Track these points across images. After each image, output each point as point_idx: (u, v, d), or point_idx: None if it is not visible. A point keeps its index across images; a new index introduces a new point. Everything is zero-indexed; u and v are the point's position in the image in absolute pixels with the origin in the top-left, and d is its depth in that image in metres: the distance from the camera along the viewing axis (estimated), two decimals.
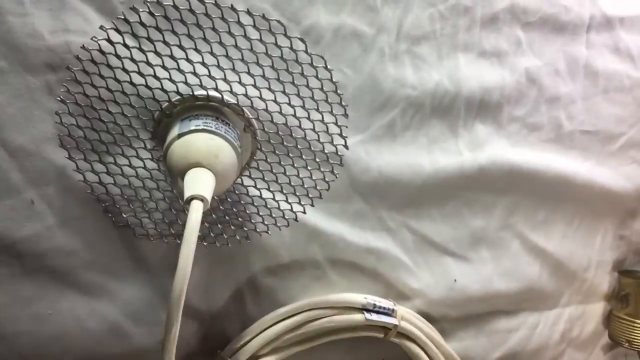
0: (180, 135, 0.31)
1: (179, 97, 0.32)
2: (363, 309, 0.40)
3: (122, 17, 0.29)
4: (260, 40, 0.31)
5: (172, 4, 0.30)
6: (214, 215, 0.36)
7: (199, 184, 0.29)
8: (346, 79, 0.39)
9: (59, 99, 0.31)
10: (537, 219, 0.47)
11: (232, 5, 0.30)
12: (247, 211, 0.37)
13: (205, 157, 0.30)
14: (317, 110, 0.34)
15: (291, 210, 0.37)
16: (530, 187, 0.46)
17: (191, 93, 0.32)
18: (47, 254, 0.34)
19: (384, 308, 0.41)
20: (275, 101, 0.33)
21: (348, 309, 0.40)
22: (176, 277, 0.27)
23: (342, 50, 0.39)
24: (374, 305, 0.41)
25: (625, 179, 0.49)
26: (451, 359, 0.44)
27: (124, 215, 0.35)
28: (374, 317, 0.40)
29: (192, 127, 0.31)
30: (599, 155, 0.48)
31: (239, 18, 0.31)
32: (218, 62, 0.32)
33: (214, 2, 0.30)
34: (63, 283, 0.35)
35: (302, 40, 0.32)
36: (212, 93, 0.32)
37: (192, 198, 0.28)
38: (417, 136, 0.42)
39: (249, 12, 0.30)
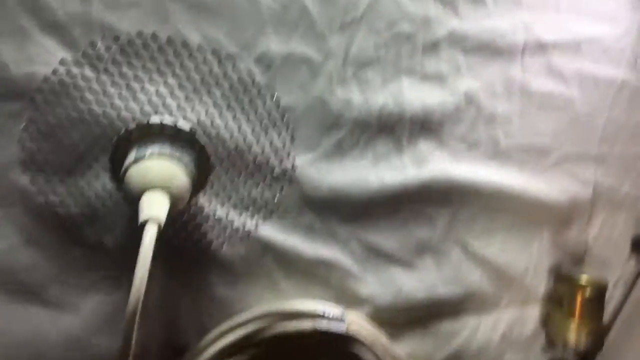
0: (136, 160, 0.33)
1: (135, 124, 0.35)
2: (314, 315, 0.43)
3: (81, 51, 0.32)
4: (210, 72, 0.34)
5: (126, 40, 0.32)
6: (170, 233, 0.39)
7: (154, 206, 0.32)
8: (296, 101, 0.42)
9: (22, 126, 0.33)
10: (477, 229, 0.51)
11: (184, 41, 0.33)
12: (203, 228, 0.39)
13: (160, 180, 0.33)
14: (266, 133, 0.37)
15: (243, 227, 0.40)
16: (470, 199, 0.49)
17: (147, 121, 0.34)
18: (12, 270, 0.36)
19: (334, 315, 0.44)
20: (226, 127, 0.36)
21: (301, 315, 0.43)
22: (131, 295, 0.29)
23: (292, 75, 0.42)
24: (324, 312, 0.44)
25: (559, 191, 0.53)
26: None
27: (85, 232, 0.37)
28: (324, 323, 0.43)
29: (148, 152, 0.33)
30: (534, 169, 0.52)
31: (191, 53, 0.33)
32: (172, 91, 0.34)
33: (166, 40, 0.33)
34: (27, 297, 0.37)
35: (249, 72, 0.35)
36: (167, 120, 0.35)
37: (146, 220, 0.31)
38: (364, 153, 0.46)
39: (199, 48, 0.33)
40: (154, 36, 0.32)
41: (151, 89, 0.33)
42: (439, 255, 0.50)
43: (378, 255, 0.48)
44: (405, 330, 0.50)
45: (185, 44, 0.33)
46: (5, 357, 0.37)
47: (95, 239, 0.37)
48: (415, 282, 0.49)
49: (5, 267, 0.36)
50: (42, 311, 0.37)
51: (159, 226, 0.31)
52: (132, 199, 0.33)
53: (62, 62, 0.32)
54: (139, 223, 0.31)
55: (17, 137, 0.34)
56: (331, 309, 0.44)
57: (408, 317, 0.49)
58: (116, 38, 0.32)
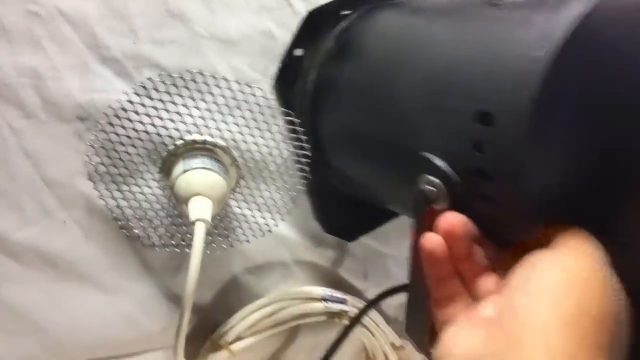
0: (185, 171, 0.41)
1: (182, 141, 0.42)
2: (322, 299, 0.51)
3: (141, 85, 0.39)
4: (237, 97, 0.42)
5: (178, 75, 0.40)
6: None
7: (201, 209, 0.40)
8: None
9: (88, 143, 0.41)
10: None
11: (224, 77, 0.40)
12: (232, 225, 0.47)
13: (204, 188, 0.40)
14: (284, 146, 0.45)
15: (265, 224, 0.47)
16: None
17: (192, 138, 0.42)
18: (76, 262, 0.44)
19: (338, 298, 0.52)
20: (253, 142, 0.44)
21: (310, 299, 0.51)
22: (187, 281, 0.37)
23: None
24: (331, 296, 0.52)
25: None
26: (393, 338, 0.55)
27: (135, 231, 0.45)
28: (331, 304, 0.51)
29: (194, 165, 0.41)
30: None
31: (227, 85, 0.41)
32: (211, 115, 0.42)
33: (210, 74, 0.40)
34: (88, 284, 0.44)
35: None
36: (207, 138, 0.43)
37: (197, 220, 0.39)
38: None
39: (236, 81, 0.41)
40: (200, 73, 0.40)
41: (195, 113, 0.41)
42: None
43: (375, 253, 0.56)
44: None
45: (225, 79, 0.41)
46: (74, 335, 0.44)
47: (144, 236, 0.45)
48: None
49: (70, 259, 0.43)
50: (101, 295, 0.45)
51: (207, 225, 0.39)
52: (181, 203, 0.40)
53: (124, 92, 0.39)
54: (190, 222, 0.38)
55: (81, 151, 0.42)
56: (336, 293, 0.53)
57: None
58: (168, 75, 0.40)
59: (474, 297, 0.29)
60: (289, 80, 0.47)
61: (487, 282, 0.28)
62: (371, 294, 0.56)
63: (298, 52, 0.47)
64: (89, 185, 0.42)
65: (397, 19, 0.41)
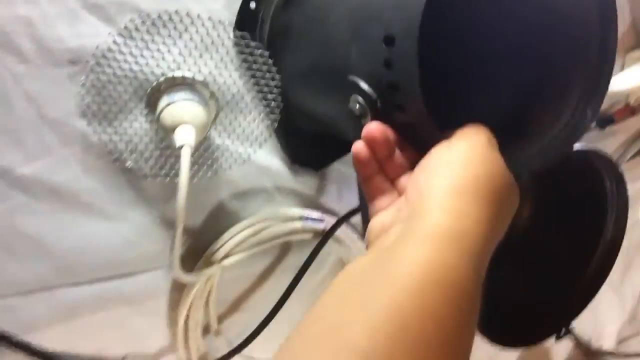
0: (168, 104, 0.46)
1: (164, 77, 0.47)
2: (300, 218, 0.57)
3: (124, 27, 0.44)
4: (212, 35, 0.47)
5: (156, 16, 0.45)
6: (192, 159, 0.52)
7: (186, 136, 0.45)
8: None
9: (80, 84, 0.45)
10: None
11: (198, 15, 0.45)
12: (214, 155, 0.52)
13: (187, 117, 0.45)
14: (258, 80, 0.50)
15: (244, 153, 0.53)
16: None
17: (173, 74, 0.47)
18: (79, 193, 0.49)
19: (315, 218, 0.58)
20: (230, 76, 0.49)
21: (290, 219, 0.57)
22: (178, 195, 0.43)
23: None
24: (308, 216, 0.58)
25: None
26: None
27: (129, 162, 0.50)
28: (310, 223, 0.57)
29: (176, 98, 0.46)
30: None
31: (202, 22, 0.46)
32: (190, 52, 0.47)
33: (186, 13, 0.45)
34: (91, 213, 0.50)
35: (243, 35, 0.48)
36: (187, 74, 0.47)
37: (182, 145, 0.44)
38: None
39: (209, 19, 0.45)
40: (177, 13, 0.45)
41: (174, 51, 0.46)
42: None
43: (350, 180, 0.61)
44: None
45: (198, 16, 0.45)
46: (80, 258, 0.50)
47: (137, 167, 0.50)
48: None
49: (72, 192, 0.48)
50: (103, 222, 0.50)
51: (191, 149, 0.44)
52: (167, 132, 0.46)
53: (109, 34, 0.44)
54: (177, 147, 0.44)
55: (75, 92, 0.46)
56: (313, 214, 0.58)
57: None
58: (148, 15, 0.44)
59: (399, 193, 0.35)
60: (247, 30, 0.52)
61: (408, 178, 0.34)
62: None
63: (252, 4, 0.52)
64: (83, 123, 0.47)
65: None
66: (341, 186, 0.61)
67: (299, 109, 0.52)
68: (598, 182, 0.62)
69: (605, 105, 0.56)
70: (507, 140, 0.33)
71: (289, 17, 0.49)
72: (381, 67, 0.33)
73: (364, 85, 0.34)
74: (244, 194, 0.56)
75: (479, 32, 0.39)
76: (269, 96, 0.51)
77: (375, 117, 0.34)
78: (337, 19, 0.40)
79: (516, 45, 0.39)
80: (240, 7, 0.51)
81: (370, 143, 0.34)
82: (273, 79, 0.50)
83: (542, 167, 0.37)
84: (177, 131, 0.45)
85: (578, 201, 0.65)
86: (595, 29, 0.36)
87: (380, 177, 0.35)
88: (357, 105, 0.35)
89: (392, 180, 0.35)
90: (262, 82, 0.50)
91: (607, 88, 0.36)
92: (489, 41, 0.39)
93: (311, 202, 0.60)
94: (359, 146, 0.34)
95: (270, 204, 0.58)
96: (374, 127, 0.33)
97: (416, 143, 0.34)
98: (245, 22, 0.52)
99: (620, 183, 0.61)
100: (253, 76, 0.50)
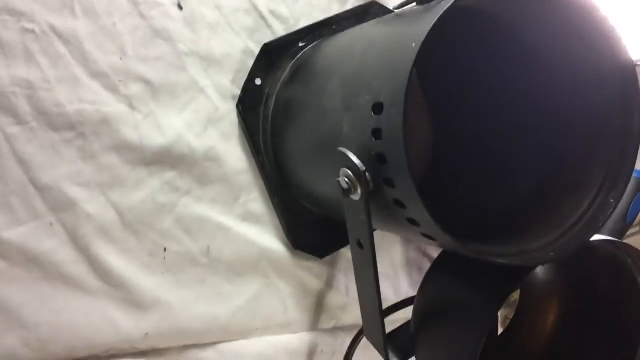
0: None
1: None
2: None
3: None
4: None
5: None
6: None
7: None
8: None
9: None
10: None
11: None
12: None
13: None
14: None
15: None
16: None
17: None
18: (62, 264, 0.46)
19: None
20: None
21: None
22: None
23: None
24: None
25: None
26: None
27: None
28: None
29: None
30: None
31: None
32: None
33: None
34: (72, 286, 0.46)
35: None
36: None
37: None
38: None
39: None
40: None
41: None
42: None
43: None
44: None
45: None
46: (56, 334, 0.46)
47: None
48: None
49: (56, 260, 0.46)
50: (83, 297, 0.47)
51: None
52: None
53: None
54: None
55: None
56: None
57: None
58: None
59: None
60: (252, 105, 0.51)
61: None
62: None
63: (258, 81, 0.51)
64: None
65: (335, 42, 0.47)
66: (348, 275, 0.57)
67: (300, 189, 0.49)
68: (629, 279, 0.55)
69: None
70: (524, 227, 0.30)
71: (293, 93, 0.48)
72: (370, 137, 0.30)
73: (352, 156, 0.31)
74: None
75: (501, 125, 0.40)
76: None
77: (365, 195, 0.31)
78: (333, 89, 0.38)
79: (536, 133, 0.38)
80: (245, 83, 0.50)
81: None
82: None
83: (563, 256, 0.33)
84: None
85: (612, 303, 0.58)
86: (619, 112, 0.33)
87: None
88: (345, 179, 0.32)
89: None
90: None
91: (631, 173, 0.32)
92: (508, 134, 0.40)
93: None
94: None
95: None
96: None
97: (409, 230, 0.31)
98: (249, 97, 0.51)
99: None
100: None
